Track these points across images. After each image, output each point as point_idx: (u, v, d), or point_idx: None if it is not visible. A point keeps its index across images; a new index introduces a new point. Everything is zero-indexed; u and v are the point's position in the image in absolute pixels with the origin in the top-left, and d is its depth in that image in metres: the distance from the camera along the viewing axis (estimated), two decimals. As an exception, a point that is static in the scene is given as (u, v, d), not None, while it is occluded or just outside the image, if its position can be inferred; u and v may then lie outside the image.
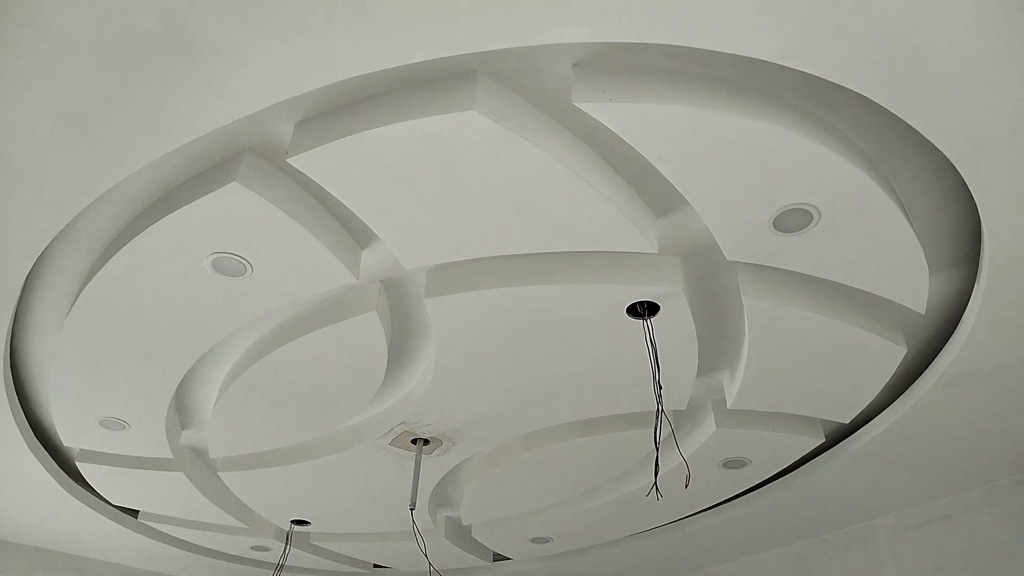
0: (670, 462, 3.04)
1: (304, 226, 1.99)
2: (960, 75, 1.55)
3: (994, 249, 1.99)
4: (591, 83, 1.65)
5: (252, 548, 4.11)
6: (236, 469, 3.25)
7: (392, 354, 2.62)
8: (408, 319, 2.53)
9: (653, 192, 2.03)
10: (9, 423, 2.84)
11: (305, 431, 2.96)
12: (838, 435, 3.10)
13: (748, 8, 1.44)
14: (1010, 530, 3.16)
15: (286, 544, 3.91)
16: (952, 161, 1.75)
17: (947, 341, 2.51)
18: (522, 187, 1.84)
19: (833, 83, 1.61)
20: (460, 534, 3.99)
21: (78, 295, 2.24)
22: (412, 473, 3.11)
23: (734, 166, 1.76)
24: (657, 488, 2.16)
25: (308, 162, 1.78)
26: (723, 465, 3.16)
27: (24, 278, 2.17)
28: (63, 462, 3.36)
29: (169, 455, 3.12)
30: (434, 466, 3.19)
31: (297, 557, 4.18)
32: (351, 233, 2.18)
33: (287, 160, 1.80)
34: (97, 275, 2.15)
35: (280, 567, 4.00)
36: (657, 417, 2.24)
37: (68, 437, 2.99)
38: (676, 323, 2.30)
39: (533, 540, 3.91)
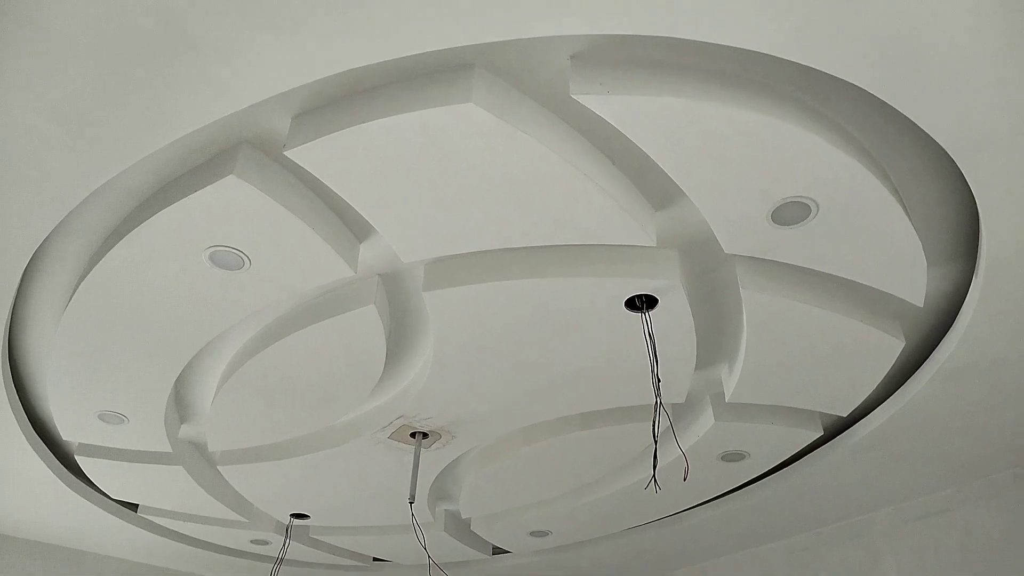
0: (669, 455, 3.04)
1: (302, 219, 1.99)
2: (960, 69, 1.55)
3: (992, 242, 1.99)
4: (589, 75, 1.64)
5: (252, 542, 4.12)
6: (235, 463, 3.26)
7: (390, 348, 2.62)
8: (406, 313, 2.53)
9: (651, 185, 2.03)
10: (8, 417, 2.84)
11: (304, 425, 2.96)
12: (836, 428, 3.11)
13: (746, 1, 1.43)
14: (1008, 523, 3.16)
15: (286, 538, 3.91)
16: (951, 155, 1.75)
17: (945, 334, 2.51)
18: (520, 180, 1.84)
19: (831, 76, 1.61)
20: (459, 527, 3.99)
21: (76, 288, 2.24)
22: (411, 467, 3.11)
23: (732, 159, 1.76)
24: (656, 481, 2.17)
25: (305, 155, 1.78)
26: (721, 458, 3.16)
27: (21, 273, 2.17)
28: (62, 456, 3.36)
29: (168, 449, 3.12)
30: (433, 460, 3.20)
31: (297, 551, 4.19)
32: (349, 226, 2.17)
33: (284, 153, 1.79)
34: (95, 269, 2.15)
35: (280, 561, 4.01)
36: (655, 410, 2.24)
37: (67, 431, 2.99)
38: (674, 316, 2.31)
39: (532, 533, 3.92)
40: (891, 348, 2.48)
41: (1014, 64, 1.52)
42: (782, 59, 1.60)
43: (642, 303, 2.25)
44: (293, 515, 3.76)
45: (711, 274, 2.34)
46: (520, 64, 1.70)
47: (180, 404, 3.02)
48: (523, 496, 3.54)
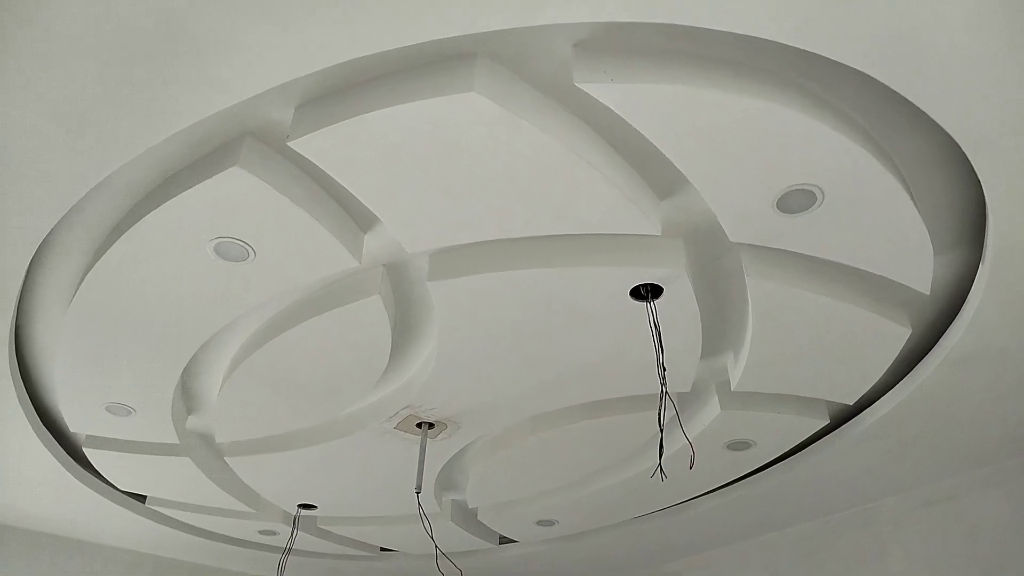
0: (675, 444, 3.04)
1: (306, 210, 1.99)
2: (966, 56, 1.53)
3: (999, 229, 1.98)
4: (592, 63, 1.64)
5: (260, 532, 4.13)
6: (242, 454, 3.27)
7: (396, 338, 2.62)
8: (411, 303, 2.53)
9: (655, 174, 2.02)
10: (15, 409, 2.85)
11: (310, 416, 2.97)
12: (843, 417, 3.10)
13: (750, -14, 1.43)
14: (1016, 511, 3.16)
15: (293, 528, 3.93)
16: (957, 141, 1.74)
17: (952, 322, 2.50)
18: (523, 169, 1.83)
19: (835, 62, 1.60)
20: (466, 517, 4.01)
21: (81, 281, 2.25)
22: (417, 457, 3.12)
23: (737, 146, 1.75)
24: (662, 469, 2.17)
25: (308, 145, 1.78)
26: (727, 447, 3.16)
27: (26, 267, 2.18)
28: (70, 448, 3.38)
29: (175, 440, 3.13)
30: (439, 450, 3.20)
31: (304, 541, 4.21)
32: (353, 217, 2.17)
33: (288, 144, 1.79)
34: (100, 261, 2.15)
35: (287, 551, 4.02)
36: (661, 399, 2.24)
37: (74, 423, 3.01)
38: (680, 305, 2.30)
39: (538, 523, 3.93)
40: (897, 336, 2.47)
41: (1021, 53, 1.51)
42: (786, 45, 1.59)
43: (647, 292, 2.25)
44: (300, 506, 3.77)
45: (716, 263, 2.34)
46: (523, 53, 1.69)
47: (187, 396, 3.03)
48: (529, 486, 3.55)
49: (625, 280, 2.21)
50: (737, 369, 2.69)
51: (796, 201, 1.92)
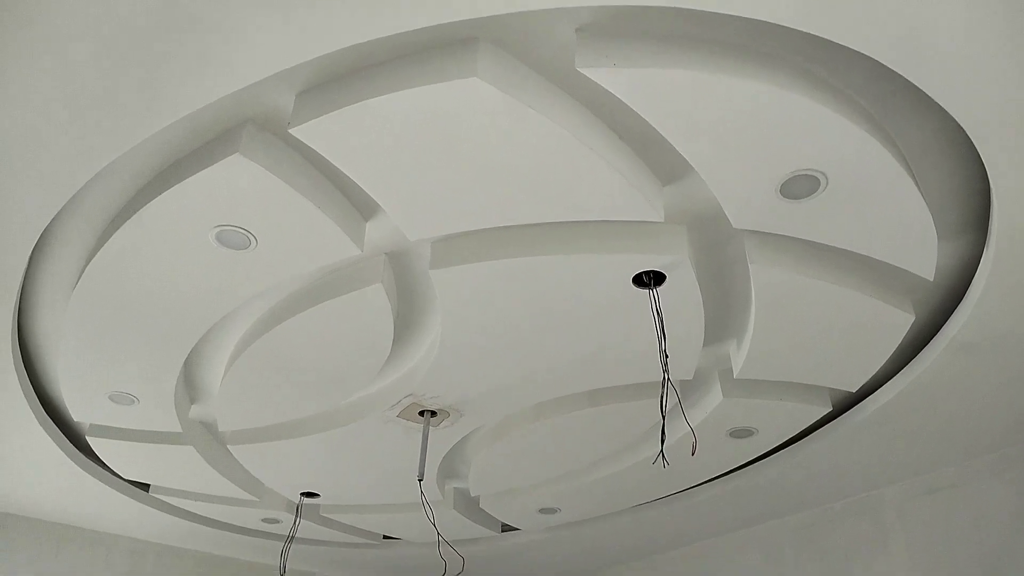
0: (677, 432, 3.04)
1: (308, 198, 1.98)
2: (973, 40, 1.52)
3: (1004, 215, 1.97)
4: (595, 48, 1.63)
5: (263, 520, 4.15)
6: (245, 442, 3.28)
7: (398, 326, 2.62)
8: (414, 291, 2.52)
9: (658, 159, 2.01)
10: (19, 398, 2.86)
11: (313, 404, 2.97)
12: (846, 404, 3.10)
13: (754, -31, 1.41)
14: (1019, 498, 3.16)
15: (296, 516, 3.94)
16: (962, 126, 1.73)
17: (956, 309, 2.49)
18: (525, 155, 1.82)
19: (841, 46, 1.59)
20: (468, 505, 4.01)
21: (83, 271, 2.24)
22: (420, 445, 3.12)
23: (740, 132, 1.74)
24: (664, 456, 2.17)
25: (310, 132, 1.77)
26: (730, 435, 3.16)
27: (29, 254, 2.17)
28: (74, 437, 3.39)
29: (179, 429, 3.14)
30: (442, 438, 3.21)
31: (307, 529, 4.22)
32: (355, 205, 2.16)
33: (289, 131, 1.78)
34: (101, 250, 2.15)
35: (290, 539, 4.04)
36: (663, 386, 2.24)
37: (78, 412, 3.01)
38: (682, 293, 2.30)
39: (541, 511, 3.94)
40: (901, 323, 2.47)
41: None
42: (792, 29, 1.58)
43: (650, 279, 2.24)
44: (303, 494, 3.78)
45: (719, 250, 2.33)
46: (525, 38, 1.68)
47: (190, 384, 3.03)
48: (532, 474, 3.55)
49: (627, 267, 2.21)
50: (740, 356, 2.68)
51: (800, 187, 1.91)
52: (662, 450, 2.16)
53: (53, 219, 2.11)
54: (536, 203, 1.99)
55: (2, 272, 2.23)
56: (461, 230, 2.12)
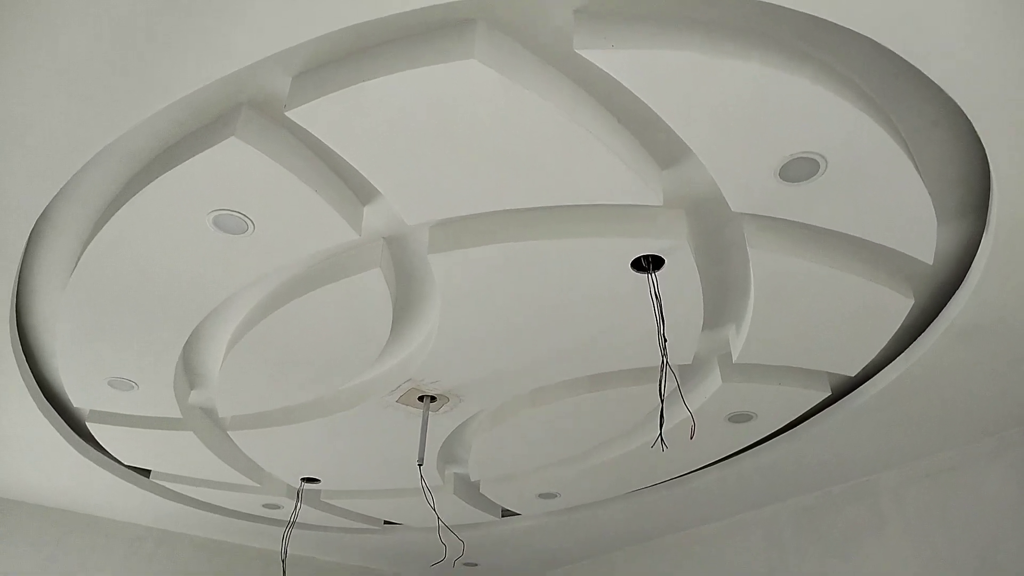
0: (676, 417, 3.05)
1: (305, 182, 1.97)
2: (974, 21, 1.51)
3: (1004, 198, 1.96)
4: (593, 29, 1.61)
5: (264, 506, 4.16)
6: (245, 428, 3.28)
7: (397, 311, 2.62)
8: (412, 276, 2.52)
9: (657, 143, 2.00)
10: (18, 384, 2.86)
11: (312, 389, 2.97)
12: (844, 388, 3.10)
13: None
14: (1017, 482, 3.16)
15: (297, 502, 3.96)
16: (963, 108, 1.71)
17: (955, 293, 2.49)
18: (524, 138, 1.81)
19: (842, 27, 1.58)
20: (469, 490, 4.03)
21: (80, 256, 2.24)
22: (420, 430, 3.13)
23: (739, 114, 1.73)
24: (662, 440, 2.17)
25: (306, 115, 1.76)
26: (729, 419, 3.17)
27: (26, 238, 2.17)
28: (74, 423, 3.39)
29: (178, 415, 3.14)
30: (441, 423, 3.21)
31: (308, 514, 4.24)
32: (352, 189, 2.16)
33: (286, 114, 1.77)
34: (98, 235, 2.14)
35: (291, 524, 4.06)
36: (662, 370, 2.24)
37: (77, 398, 3.02)
38: (681, 277, 2.29)
39: (541, 495, 3.95)
40: (900, 307, 2.46)
41: (1029, 12, 1.49)
42: (791, 10, 1.57)
43: (648, 264, 2.24)
44: (304, 479, 3.79)
45: (718, 234, 2.32)
46: (523, 19, 1.67)
47: (189, 370, 3.03)
48: (532, 458, 3.56)
49: (626, 251, 2.20)
50: (739, 341, 2.68)
51: (799, 170, 1.90)
52: (660, 434, 2.16)
53: (49, 204, 2.11)
54: (534, 187, 1.98)
55: (0, 256, 2.22)
56: (459, 214, 2.11)
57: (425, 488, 3.19)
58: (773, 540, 4.11)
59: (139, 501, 4.09)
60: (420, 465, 3.04)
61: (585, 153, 1.85)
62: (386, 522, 4.59)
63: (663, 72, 1.64)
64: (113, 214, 2.08)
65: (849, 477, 3.76)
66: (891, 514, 3.60)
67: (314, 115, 1.76)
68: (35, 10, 1.51)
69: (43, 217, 2.20)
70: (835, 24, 1.55)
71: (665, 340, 2.29)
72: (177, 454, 3.51)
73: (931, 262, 2.24)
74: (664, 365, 2.26)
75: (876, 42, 1.59)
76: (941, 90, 1.70)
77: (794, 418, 3.22)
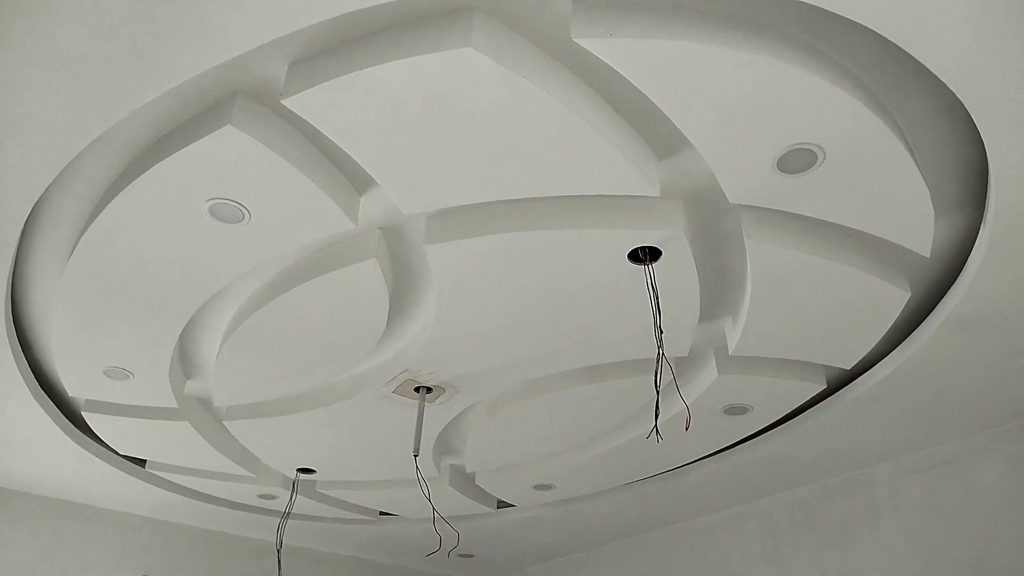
0: (672, 409, 3.05)
1: (301, 170, 1.96)
2: (973, 11, 1.50)
3: (1002, 191, 1.96)
4: (591, 18, 1.61)
5: (259, 496, 4.16)
6: (241, 418, 3.28)
7: (394, 302, 2.61)
8: (409, 266, 2.51)
9: (654, 133, 2.00)
10: (13, 373, 2.85)
11: (309, 379, 2.97)
12: (840, 381, 3.10)
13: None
14: (1011, 476, 3.17)
15: (292, 492, 3.96)
16: (961, 99, 1.71)
17: (952, 286, 2.49)
18: (521, 127, 1.81)
19: (841, 17, 1.57)
20: (464, 481, 4.03)
21: (76, 244, 2.23)
22: (415, 421, 3.13)
23: (738, 104, 1.73)
24: (658, 431, 2.17)
25: (303, 103, 1.75)
26: (725, 412, 3.17)
27: (22, 226, 2.16)
28: (69, 412, 3.38)
29: (174, 404, 3.14)
30: (437, 414, 3.21)
31: (304, 505, 4.24)
32: (349, 178, 2.15)
33: (282, 102, 1.76)
34: (94, 222, 2.13)
35: (287, 515, 4.05)
36: (658, 361, 2.23)
37: (73, 387, 3.01)
38: (678, 269, 2.29)
39: (536, 487, 3.95)
40: (896, 300, 2.46)
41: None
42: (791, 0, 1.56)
43: (645, 255, 2.23)
44: (299, 470, 3.79)
45: (715, 225, 2.32)
46: (520, 7, 1.66)
47: (185, 360, 3.03)
48: (527, 450, 3.57)
49: (623, 243, 2.20)
50: (735, 333, 2.68)
51: (797, 161, 1.90)
52: (656, 425, 2.16)
53: (45, 192, 2.10)
54: (531, 177, 1.98)
55: (-5, 245, 2.22)
56: (456, 204, 2.10)
57: (421, 479, 3.19)
58: (768, 532, 4.12)
59: (135, 491, 4.09)
60: (416, 456, 3.04)
61: (582, 143, 1.85)
62: (382, 513, 4.59)
63: (661, 62, 1.64)
64: (109, 202, 2.07)
65: (844, 470, 3.76)
66: (886, 507, 3.61)
67: (311, 103, 1.75)
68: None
69: (38, 206, 2.18)
70: (835, 14, 1.55)
71: (661, 332, 2.29)
72: (173, 444, 3.51)
73: (928, 255, 2.25)
74: (660, 357, 2.25)
75: (875, 33, 1.58)
76: (940, 82, 1.70)
77: (790, 411, 3.22)
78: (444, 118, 1.79)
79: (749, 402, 3.10)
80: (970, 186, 2.19)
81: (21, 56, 1.64)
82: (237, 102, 1.85)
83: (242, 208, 2.07)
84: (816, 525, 3.90)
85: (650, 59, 1.63)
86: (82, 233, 2.20)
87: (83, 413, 3.23)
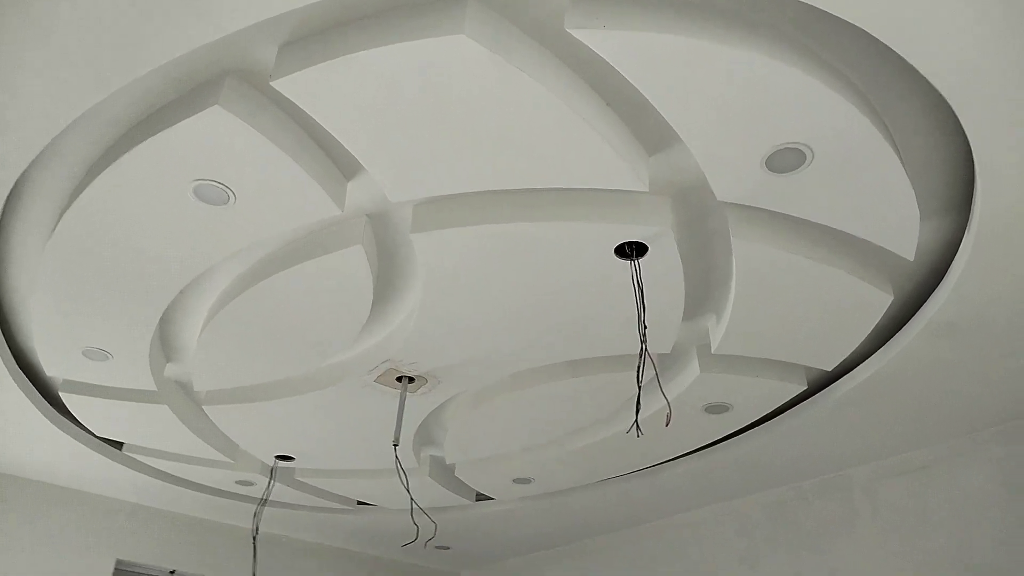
0: (653, 405, 3.06)
1: (288, 154, 1.95)
2: (967, 17, 1.51)
3: (987, 196, 1.97)
4: (585, 9, 1.60)
5: (237, 482, 4.14)
6: (221, 403, 3.26)
7: (378, 290, 2.60)
8: (394, 255, 2.50)
9: (644, 127, 1.99)
10: (-10, 351, 2.82)
11: (290, 366, 2.95)
12: (821, 383, 3.12)
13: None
14: (990, 480, 3.20)
15: (270, 479, 3.94)
16: (950, 103, 1.72)
17: (934, 290, 2.50)
18: (512, 117, 1.80)
19: (833, 17, 1.57)
20: (444, 473, 4.03)
21: (58, 222, 2.20)
22: (396, 410, 3.12)
23: (729, 100, 1.73)
24: (638, 425, 2.17)
25: (292, 85, 1.74)
26: (705, 410, 3.18)
27: (3, 204, 2.13)
28: (46, 392, 3.35)
29: (153, 387, 3.11)
30: (419, 404, 3.20)
31: (282, 492, 4.22)
32: (336, 163, 2.13)
33: (271, 84, 1.75)
34: (77, 200, 2.11)
35: (264, 502, 4.04)
36: (641, 357, 2.23)
37: (51, 366, 2.98)
38: (664, 265, 2.29)
39: (515, 480, 3.95)
40: (879, 303, 2.48)
41: (1016, 5, 1.49)
42: (783, -2, 1.56)
43: (632, 251, 2.23)
44: (278, 457, 3.77)
45: (702, 222, 2.32)
46: (515, -3, 1.65)
47: (166, 342, 3.00)
48: (508, 443, 3.56)
49: (610, 237, 2.19)
50: (718, 331, 2.69)
51: (785, 160, 1.90)
52: (636, 420, 2.16)
53: (27, 169, 2.07)
54: (520, 167, 1.97)
55: (-26, 220, 2.19)
56: (444, 193, 2.09)
57: (400, 469, 3.19)
58: (746, 532, 4.15)
59: (112, 474, 4.05)
60: (396, 446, 3.03)
61: (573, 135, 1.84)
62: (359, 502, 4.58)
63: (655, 55, 1.63)
64: (92, 181, 2.04)
65: (822, 471, 3.79)
66: (864, 509, 3.64)
67: (300, 86, 1.74)
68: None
69: (20, 182, 2.16)
70: (826, 13, 1.55)
71: (645, 328, 2.29)
72: (151, 427, 3.48)
73: (912, 258, 2.26)
74: (643, 352, 2.26)
75: (864, 32, 1.58)
76: (928, 85, 1.70)
77: (770, 411, 3.24)
78: (434, 105, 1.78)
79: (730, 401, 3.11)
80: (955, 191, 2.21)
81: (7, 32, 1.61)
82: (226, 83, 1.83)
83: (227, 190, 2.05)
84: (793, 526, 3.93)
85: (644, 53, 1.63)
86: (64, 210, 2.17)
87: (60, 393, 3.20)
